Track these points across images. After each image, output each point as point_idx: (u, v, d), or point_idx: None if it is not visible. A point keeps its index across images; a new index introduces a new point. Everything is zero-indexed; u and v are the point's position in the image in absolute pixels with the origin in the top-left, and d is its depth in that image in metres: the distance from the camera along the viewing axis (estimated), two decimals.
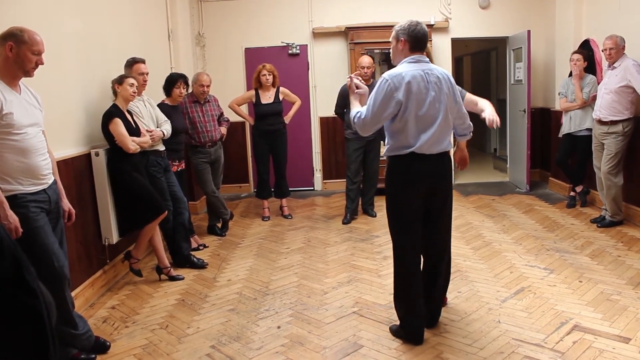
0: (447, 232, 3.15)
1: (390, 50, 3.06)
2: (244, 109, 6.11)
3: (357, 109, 2.99)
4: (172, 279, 4.20)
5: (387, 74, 2.87)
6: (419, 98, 2.83)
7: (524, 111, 6.68)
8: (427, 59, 2.98)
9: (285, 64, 7.08)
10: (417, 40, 2.92)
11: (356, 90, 3.09)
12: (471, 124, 3.18)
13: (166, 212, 4.10)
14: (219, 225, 5.52)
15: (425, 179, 2.93)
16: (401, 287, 3.07)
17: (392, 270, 4.04)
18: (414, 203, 2.96)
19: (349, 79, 3.14)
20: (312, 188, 7.57)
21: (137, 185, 3.91)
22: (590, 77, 5.51)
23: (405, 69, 2.87)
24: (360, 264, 4.36)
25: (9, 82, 2.58)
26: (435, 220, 3.05)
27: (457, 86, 3.07)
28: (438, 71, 2.92)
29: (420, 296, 3.04)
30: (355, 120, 2.94)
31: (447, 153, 3.00)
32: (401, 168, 2.95)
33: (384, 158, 3.35)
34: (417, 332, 3.04)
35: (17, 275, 1.89)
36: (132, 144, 3.82)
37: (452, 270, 4.05)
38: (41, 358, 1.96)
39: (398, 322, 3.14)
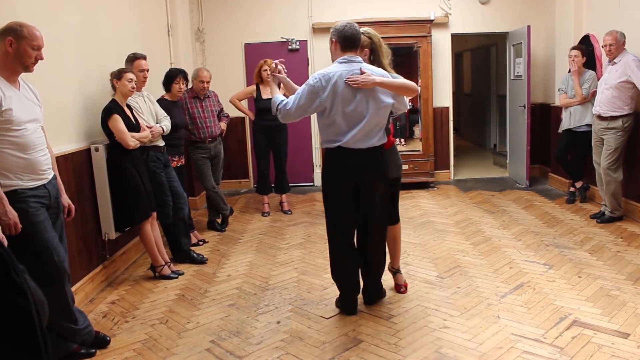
0: (381, 219, 3.35)
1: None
2: (244, 104, 6.09)
3: (282, 97, 3.21)
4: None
5: (318, 73, 3.07)
6: (346, 97, 3.02)
7: (524, 107, 6.68)
8: (360, 59, 3.13)
9: (284, 59, 7.02)
10: (345, 39, 3.09)
11: (277, 75, 3.32)
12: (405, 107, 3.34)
13: (154, 213, 4.12)
14: (219, 220, 5.53)
15: (352, 171, 3.14)
16: (334, 265, 3.38)
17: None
18: (342, 192, 3.20)
19: (274, 64, 3.36)
20: (312, 184, 7.56)
21: (131, 185, 3.89)
22: (590, 73, 5.50)
23: (335, 69, 3.06)
24: None
25: (8, 78, 2.58)
26: (365, 208, 3.26)
27: (396, 76, 3.25)
28: (370, 70, 3.06)
29: (352, 273, 3.36)
30: (280, 107, 3.14)
31: (377, 148, 3.16)
32: (332, 160, 3.19)
33: None
34: (350, 304, 3.39)
35: (4, 275, 1.86)
36: (131, 140, 3.81)
37: (451, 265, 4.10)
38: (32, 359, 1.93)
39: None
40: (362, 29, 3.22)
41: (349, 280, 3.38)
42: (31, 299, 1.87)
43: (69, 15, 3.79)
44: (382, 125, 3.17)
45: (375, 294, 3.52)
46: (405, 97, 3.22)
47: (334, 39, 3.12)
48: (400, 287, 3.67)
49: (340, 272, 3.37)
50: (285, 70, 3.38)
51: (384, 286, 3.60)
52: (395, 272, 3.71)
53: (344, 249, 3.33)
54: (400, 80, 3.20)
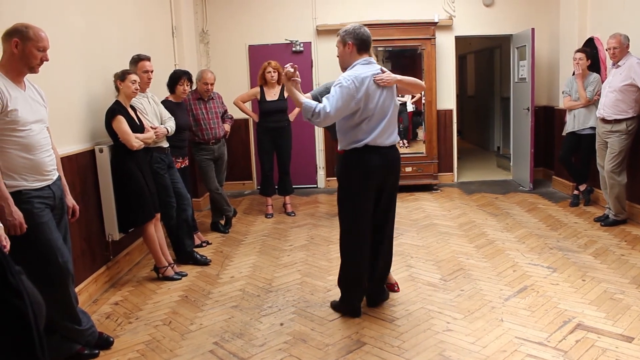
0: (393, 219, 3.43)
1: (338, 54, 3.27)
2: (248, 106, 6.11)
3: (314, 102, 3.13)
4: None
5: (348, 75, 3.09)
6: (374, 96, 3.12)
7: (528, 109, 6.67)
8: (374, 60, 3.25)
9: (288, 61, 6.97)
10: (363, 42, 3.17)
11: (296, 79, 3.25)
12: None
13: (158, 215, 4.12)
14: (222, 222, 5.53)
15: (379, 169, 3.18)
16: (349, 269, 3.34)
17: (395, 267, 4.07)
18: (368, 193, 3.20)
19: (293, 68, 3.24)
20: (316, 185, 7.57)
21: (135, 186, 3.89)
22: (594, 76, 5.49)
23: (363, 70, 3.13)
24: None
25: (14, 79, 2.59)
26: (384, 208, 3.30)
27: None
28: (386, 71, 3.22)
29: (365, 277, 3.35)
30: (319, 110, 3.07)
31: (395, 146, 3.30)
32: (357, 160, 3.18)
33: None
34: (355, 308, 3.37)
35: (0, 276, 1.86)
36: (135, 141, 3.81)
37: (454, 268, 4.10)
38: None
39: (341, 300, 3.45)
40: None
41: (362, 285, 3.35)
42: (27, 300, 1.87)
43: (74, 17, 3.81)
44: (396, 121, 3.30)
45: (379, 297, 3.52)
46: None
47: (350, 42, 3.15)
48: (394, 287, 3.70)
49: (356, 276, 3.32)
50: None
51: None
52: None
53: (363, 253, 3.29)
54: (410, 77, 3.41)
